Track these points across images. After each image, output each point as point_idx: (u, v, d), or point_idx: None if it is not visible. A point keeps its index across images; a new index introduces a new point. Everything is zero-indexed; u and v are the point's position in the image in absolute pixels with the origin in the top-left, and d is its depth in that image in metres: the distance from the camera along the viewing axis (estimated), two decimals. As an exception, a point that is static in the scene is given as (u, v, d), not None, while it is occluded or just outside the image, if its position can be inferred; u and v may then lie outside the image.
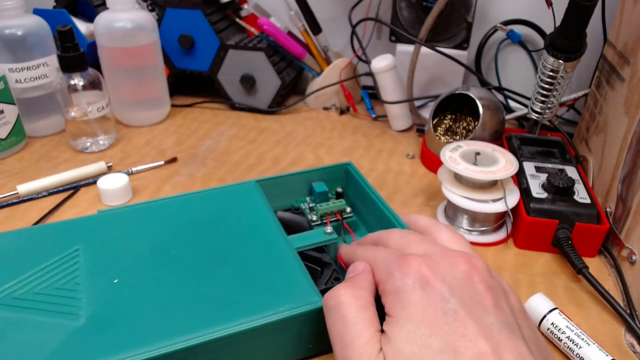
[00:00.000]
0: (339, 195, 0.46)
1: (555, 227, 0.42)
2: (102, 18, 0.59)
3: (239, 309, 0.30)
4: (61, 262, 0.33)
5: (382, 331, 0.26)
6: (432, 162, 0.56)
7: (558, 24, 0.48)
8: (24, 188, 0.50)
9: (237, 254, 0.34)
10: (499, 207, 0.43)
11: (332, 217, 0.43)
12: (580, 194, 0.44)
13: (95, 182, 0.50)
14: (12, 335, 0.28)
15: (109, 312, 0.30)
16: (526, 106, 0.63)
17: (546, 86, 0.51)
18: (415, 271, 0.26)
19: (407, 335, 0.24)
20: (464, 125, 0.58)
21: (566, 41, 0.47)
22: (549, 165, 0.48)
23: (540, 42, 0.69)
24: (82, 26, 0.66)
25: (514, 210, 0.44)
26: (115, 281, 0.32)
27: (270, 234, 0.36)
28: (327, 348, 0.29)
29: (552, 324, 0.34)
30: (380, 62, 0.62)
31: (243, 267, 0.33)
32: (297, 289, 0.31)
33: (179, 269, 0.33)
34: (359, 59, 0.69)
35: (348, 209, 0.44)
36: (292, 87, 0.74)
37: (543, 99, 0.52)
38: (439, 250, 0.28)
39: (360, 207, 0.44)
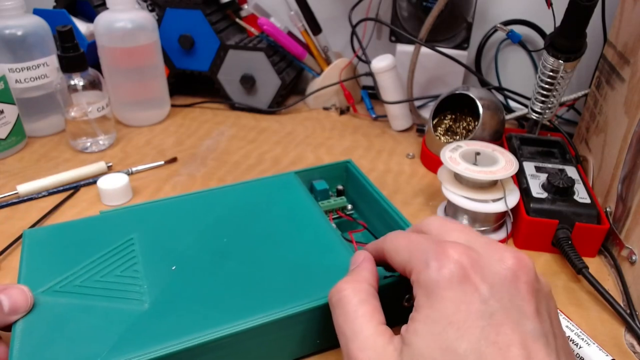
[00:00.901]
0: (339, 193, 0.46)
1: (555, 227, 0.42)
2: (102, 18, 0.59)
3: (294, 293, 0.31)
4: (118, 251, 0.35)
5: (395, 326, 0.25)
6: (432, 162, 0.56)
7: (558, 24, 0.48)
8: (24, 188, 0.50)
9: (288, 242, 0.36)
10: (499, 207, 0.43)
11: (333, 214, 0.43)
12: (580, 194, 0.44)
13: (95, 182, 0.50)
14: (82, 320, 0.29)
15: (170, 297, 0.31)
16: (526, 106, 0.63)
17: (546, 86, 0.51)
18: (455, 262, 0.24)
19: (431, 337, 0.23)
20: (464, 125, 0.58)
21: (566, 41, 0.47)
22: (549, 165, 0.48)
23: (540, 42, 0.69)
24: (82, 26, 0.66)
25: (514, 210, 0.44)
26: (173, 268, 0.33)
27: (317, 222, 0.38)
28: None
29: (552, 324, 0.34)
30: (380, 62, 0.62)
31: (295, 254, 0.35)
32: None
33: (231, 255, 0.34)
34: (359, 59, 0.69)
35: (349, 206, 0.44)
36: (292, 87, 0.74)
37: (543, 99, 0.52)
38: (484, 242, 0.26)
39: (361, 204, 0.44)
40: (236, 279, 0.32)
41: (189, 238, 0.36)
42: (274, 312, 0.30)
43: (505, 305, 0.23)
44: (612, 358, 0.31)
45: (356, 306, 0.26)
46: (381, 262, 0.30)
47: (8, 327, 0.29)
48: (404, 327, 0.24)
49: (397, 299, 0.29)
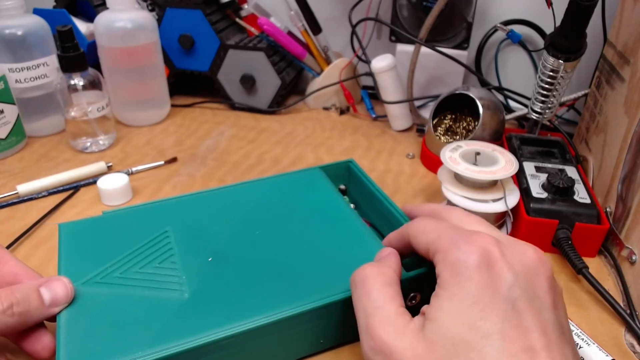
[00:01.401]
0: (342, 193, 0.46)
1: (555, 227, 0.42)
2: (102, 18, 0.59)
3: (327, 284, 0.32)
4: (154, 243, 0.35)
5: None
6: (432, 162, 0.56)
7: (558, 24, 0.48)
8: (24, 188, 0.50)
9: (318, 234, 0.37)
10: (499, 207, 0.43)
11: None
12: (580, 194, 0.44)
13: (95, 182, 0.50)
14: (125, 310, 0.30)
15: (209, 287, 0.32)
16: (526, 106, 0.63)
17: (546, 86, 0.51)
18: (483, 248, 0.25)
19: (456, 314, 0.23)
20: (464, 125, 0.58)
21: (566, 41, 0.47)
22: (549, 165, 0.48)
23: (540, 42, 0.69)
24: (82, 26, 0.66)
25: (514, 210, 0.44)
26: (210, 259, 0.34)
27: (346, 216, 0.39)
28: None
29: (552, 324, 0.34)
30: (380, 62, 0.62)
31: (326, 246, 0.35)
32: None
33: (265, 247, 0.35)
34: (359, 59, 0.69)
35: (352, 206, 0.44)
36: (292, 87, 0.74)
37: (543, 99, 0.52)
38: (505, 236, 0.27)
39: (363, 204, 0.44)
40: (271, 270, 0.33)
41: (222, 230, 0.37)
42: (310, 301, 0.30)
43: (527, 294, 0.24)
44: (612, 358, 0.31)
45: (380, 286, 0.27)
46: (404, 251, 0.31)
47: (53, 318, 0.30)
48: (425, 307, 0.25)
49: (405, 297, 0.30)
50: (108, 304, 0.30)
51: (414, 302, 0.33)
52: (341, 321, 0.32)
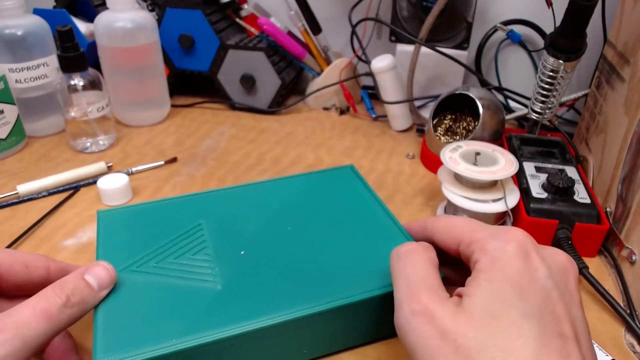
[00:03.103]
0: None
1: (555, 227, 0.42)
2: (102, 18, 0.59)
3: (360, 281, 0.32)
4: (188, 235, 0.36)
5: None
6: (432, 162, 0.56)
7: (558, 24, 0.48)
8: (24, 188, 0.50)
9: (350, 231, 0.37)
10: (499, 207, 0.43)
11: None
12: (580, 194, 0.44)
13: (95, 182, 0.50)
14: (161, 298, 0.31)
15: (242, 279, 0.32)
16: (526, 106, 0.63)
17: (546, 86, 0.51)
18: (521, 241, 0.26)
19: (497, 292, 0.24)
20: (464, 125, 0.58)
21: (566, 41, 0.47)
22: (549, 165, 0.48)
23: (540, 42, 0.69)
24: (82, 26, 0.66)
25: (514, 210, 0.44)
26: (242, 252, 0.35)
27: (378, 213, 0.39)
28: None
29: (552, 324, 0.34)
30: (380, 62, 0.62)
31: (358, 243, 0.36)
32: None
33: (297, 242, 0.36)
34: (359, 59, 0.69)
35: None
36: (292, 87, 0.74)
37: (543, 99, 0.52)
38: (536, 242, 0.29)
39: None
40: (302, 265, 0.34)
41: (254, 225, 0.37)
42: (341, 297, 0.31)
43: (559, 288, 0.25)
44: (612, 358, 0.31)
45: (425, 261, 0.28)
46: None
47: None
48: (460, 289, 0.26)
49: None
50: (143, 292, 0.31)
51: None
52: (371, 318, 0.32)
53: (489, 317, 0.23)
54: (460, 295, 0.25)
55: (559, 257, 0.27)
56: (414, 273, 0.27)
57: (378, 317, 0.32)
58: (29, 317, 0.26)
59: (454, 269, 0.32)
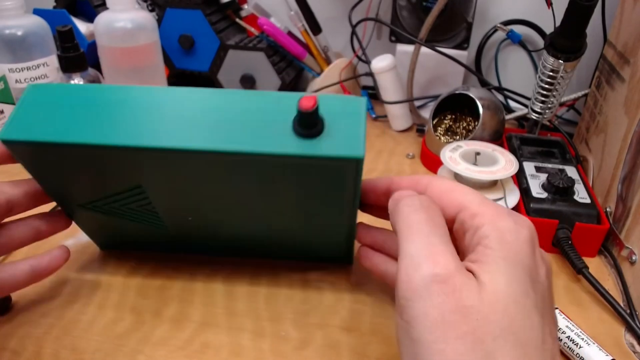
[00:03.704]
0: None
1: (555, 227, 0.42)
2: (102, 18, 0.59)
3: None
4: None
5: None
6: (432, 162, 0.56)
7: (558, 24, 0.48)
8: (24, 188, 0.50)
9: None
10: (499, 207, 0.43)
11: None
12: (580, 194, 0.44)
13: (95, 182, 0.50)
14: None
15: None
16: (526, 106, 0.63)
17: (546, 86, 0.51)
18: (533, 231, 0.25)
19: (514, 275, 0.22)
20: (464, 125, 0.58)
21: (566, 41, 0.47)
22: (549, 165, 0.48)
23: (540, 42, 0.69)
24: (82, 26, 0.66)
25: (514, 210, 0.44)
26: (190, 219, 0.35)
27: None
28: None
29: (552, 324, 0.34)
30: (380, 62, 0.62)
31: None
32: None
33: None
34: (359, 59, 0.69)
35: None
36: (292, 87, 0.74)
37: (543, 99, 0.52)
38: None
39: None
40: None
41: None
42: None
43: (550, 289, 0.25)
44: (612, 358, 0.31)
45: (443, 223, 0.25)
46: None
47: None
48: (468, 263, 0.24)
49: None
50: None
51: None
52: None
53: (510, 302, 0.22)
54: (470, 270, 0.23)
55: (549, 258, 0.26)
56: (435, 230, 0.24)
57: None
58: None
59: None
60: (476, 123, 0.54)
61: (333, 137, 0.28)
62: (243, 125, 0.29)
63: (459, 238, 0.26)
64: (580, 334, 0.33)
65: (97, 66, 0.61)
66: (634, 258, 0.39)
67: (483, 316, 0.21)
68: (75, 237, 0.45)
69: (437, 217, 0.25)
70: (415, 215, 0.25)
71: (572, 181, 0.44)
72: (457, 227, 0.26)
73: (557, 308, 0.35)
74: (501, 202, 0.43)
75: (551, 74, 0.50)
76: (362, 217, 0.34)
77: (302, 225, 0.35)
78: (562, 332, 0.33)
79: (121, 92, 0.31)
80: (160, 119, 0.29)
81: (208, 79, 0.70)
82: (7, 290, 0.33)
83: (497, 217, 0.25)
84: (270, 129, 0.28)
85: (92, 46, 0.63)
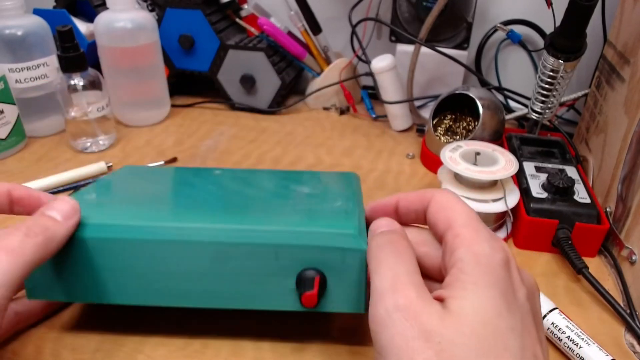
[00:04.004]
0: None
1: (555, 227, 0.42)
2: (102, 18, 0.59)
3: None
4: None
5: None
6: (432, 162, 0.56)
7: (558, 24, 0.48)
8: (24, 188, 0.50)
9: (304, 199, 0.36)
10: (499, 207, 0.43)
11: None
12: (580, 194, 0.44)
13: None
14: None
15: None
16: (526, 106, 0.63)
17: (546, 86, 0.51)
18: (508, 254, 0.25)
19: (485, 298, 0.23)
20: (464, 125, 0.58)
21: (566, 41, 0.47)
22: (549, 165, 0.48)
23: (540, 42, 0.69)
24: (82, 26, 0.66)
25: (514, 210, 0.44)
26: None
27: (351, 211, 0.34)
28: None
29: (552, 323, 0.34)
30: (380, 62, 0.62)
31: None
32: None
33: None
34: (359, 59, 0.69)
35: None
36: (292, 87, 0.74)
37: (543, 99, 0.52)
38: None
39: None
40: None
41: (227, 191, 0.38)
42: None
43: (533, 310, 0.25)
44: (612, 358, 0.31)
45: (411, 255, 0.26)
46: (409, 212, 0.30)
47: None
48: (438, 291, 0.24)
49: None
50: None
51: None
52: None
53: (479, 324, 0.22)
54: (440, 299, 0.24)
55: (532, 280, 0.26)
56: (400, 264, 0.25)
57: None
58: None
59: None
60: (476, 123, 0.54)
61: (335, 295, 0.29)
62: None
63: (445, 255, 0.27)
64: (580, 334, 0.33)
65: (97, 66, 0.62)
66: (634, 258, 0.39)
67: (447, 339, 0.21)
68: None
69: (404, 251, 0.26)
70: (382, 251, 0.26)
71: (572, 181, 0.44)
72: (444, 245, 0.27)
73: (557, 308, 0.35)
74: (501, 202, 0.43)
75: (551, 74, 0.50)
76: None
77: None
78: (562, 332, 0.33)
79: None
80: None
81: (208, 79, 0.70)
82: (24, 322, 0.34)
83: (473, 241, 0.25)
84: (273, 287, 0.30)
85: (92, 46, 0.63)
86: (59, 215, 0.29)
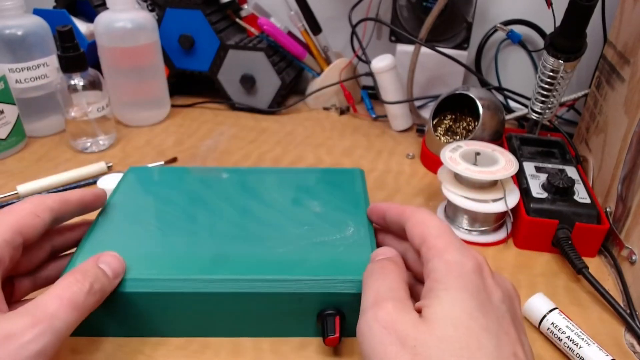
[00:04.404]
0: None
1: (555, 227, 0.42)
2: (102, 18, 0.59)
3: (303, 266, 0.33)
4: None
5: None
6: (432, 162, 0.56)
7: (558, 24, 0.48)
8: (24, 188, 0.50)
9: (317, 224, 0.37)
10: (499, 207, 0.43)
11: None
12: (580, 194, 0.44)
13: (95, 182, 0.50)
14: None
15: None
16: (526, 106, 0.63)
17: (546, 86, 0.51)
18: (480, 261, 0.27)
19: (455, 302, 0.24)
20: (464, 125, 0.58)
21: (566, 41, 0.47)
22: (549, 165, 0.48)
23: (540, 42, 0.69)
24: (82, 26, 0.66)
25: (514, 210, 0.44)
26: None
27: (354, 216, 0.38)
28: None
29: (552, 323, 0.34)
30: (380, 62, 0.62)
31: (316, 235, 0.36)
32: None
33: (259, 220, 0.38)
34: (359, 59, 0.69)
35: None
36: (292, 87, 0.74)
37: (543, 99, 0.52)
38: None
39: None
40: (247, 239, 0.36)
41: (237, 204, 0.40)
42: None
43: (511, 313, 0.26)
44: (612, 358, 0.31)
45: (397, 276, 0.28)
46: (392, 227, 0.34)
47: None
48: (418, 302, 0.26)
49: None
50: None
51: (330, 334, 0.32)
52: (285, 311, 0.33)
53: (450, 326, 0.24)
54: (418, 309, 0.26)
55: (509, 285, 0.28)
56: (383, 285, 0.28)
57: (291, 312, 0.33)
58: (57, 308, 0.26)
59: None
60: (476, 123, 0.54)
61: (352, 325, 0.30)
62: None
63: (423, 267, 0.29)
64: (580, 334, 0.33)
65: (97, 66, 0.62)
66: (634, 258, 0.39)
67: (421, 343, 0.23)
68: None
69: (390, 272, 0.29)
70: (371, 277, 0.29)
71: (572, 181, 0.44)
72: (421, 258, 0.29)
73: (557, 308, 0.35)
74: (501, 202, 0.43)
75: (551, 74, 0.50)
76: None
77: None
78: (562, 332, 0.33)
79: None
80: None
81: (208, 79, 0.70)
82: (60, 219, 0.35)
83: (445, 251, 0.27)
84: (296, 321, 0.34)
85: (92, 46, 0.63)
86: (110, 271, 0.31)
